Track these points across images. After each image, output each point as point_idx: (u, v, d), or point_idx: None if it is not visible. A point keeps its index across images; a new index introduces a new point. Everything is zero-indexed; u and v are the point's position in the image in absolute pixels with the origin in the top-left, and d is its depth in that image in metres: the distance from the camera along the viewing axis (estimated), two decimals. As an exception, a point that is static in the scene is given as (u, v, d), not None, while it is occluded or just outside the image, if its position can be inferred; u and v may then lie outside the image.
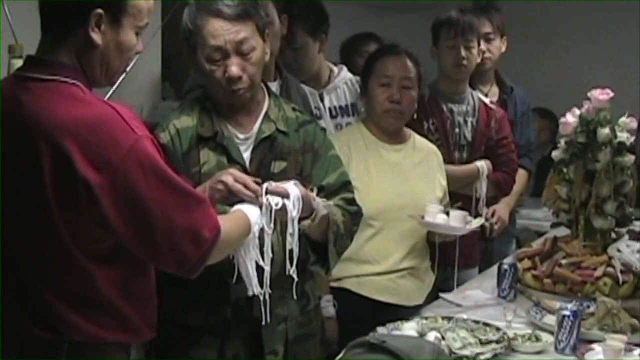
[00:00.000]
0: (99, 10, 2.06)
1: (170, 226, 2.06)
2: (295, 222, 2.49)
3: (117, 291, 2.12)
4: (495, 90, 4.58)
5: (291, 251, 2.52)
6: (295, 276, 2.55)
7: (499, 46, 4.52)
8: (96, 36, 2.08)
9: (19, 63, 2.72)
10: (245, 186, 2.44)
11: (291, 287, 2.60)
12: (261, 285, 2.47)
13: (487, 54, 4.43)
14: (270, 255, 2.47)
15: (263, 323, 2.58)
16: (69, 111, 2.01)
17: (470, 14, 4.08)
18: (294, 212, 2.47)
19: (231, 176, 2.46)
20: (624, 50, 6.80)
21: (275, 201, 2.44)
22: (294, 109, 2.87)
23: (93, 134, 1.98)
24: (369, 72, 3.51)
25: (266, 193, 2.45)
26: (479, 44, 4.08)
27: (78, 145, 1.97)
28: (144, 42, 2.24)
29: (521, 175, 4.50)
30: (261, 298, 2.49)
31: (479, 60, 4.11)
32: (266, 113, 2.76)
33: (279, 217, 2.46)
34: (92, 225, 2.02)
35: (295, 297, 2.65)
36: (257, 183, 2.47)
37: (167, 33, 4.68)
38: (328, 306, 3.28)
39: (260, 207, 2.43)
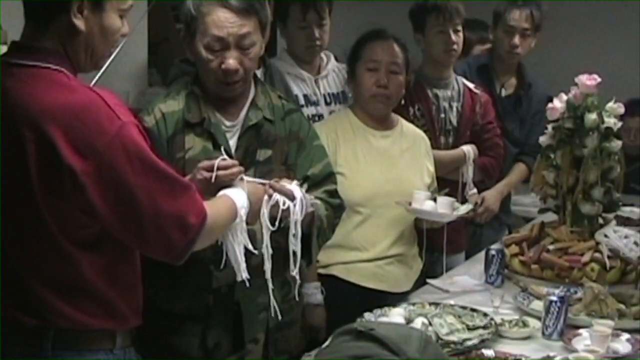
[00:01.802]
0: None
1: (156, 213, 2.05)
2: (299, 225, 2.51)
3: (102, 278, 2.11)
4: (512, 82, 4.59)
5: (294, 253, 2.54)
6: (298, 278, 2.58)
7: (530, 43, 4.51)
8: (79, 22, 2.07)
9: (3, 49, 2.70)
10: (219, 168, 2.42)
11: (278, 266, 2.60)
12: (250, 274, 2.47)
13: (518, 49, 4.44)
14: (271, 251, 2.49)
15: (272, 315, 2.61)
16: (54, 97, 2.00)
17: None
18: (298, 214, 2.50)
19: (202, 170, 2.45)
20: (614, 36, 6.79)
21: (282, 200, 2.46)
22: (280, 96, 2.87)
23: (78, 120, 1.98)
24: (356, 57, 3.49)
25: (274, 190, 2.48)
26: (463, 28, 4.07)
27: (63, 132, 1.97)
28: (131, 26, 2.23)
29: (521, 170, 4.51)
30: (247, 284, 2.48)
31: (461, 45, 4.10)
32: (253, 101, 2.75)
33: (283, 217, 2.48)
34: (78, 211, 2.02)
35: (297, 298, 2.71)
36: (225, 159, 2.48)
37: (154, 19, 4.66)
38: (316, 293, 3.27)
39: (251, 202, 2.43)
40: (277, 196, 2.46)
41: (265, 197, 2.47)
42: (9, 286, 2.09)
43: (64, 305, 2.08)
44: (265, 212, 2.45)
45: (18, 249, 2.08)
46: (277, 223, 2.47)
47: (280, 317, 2.62)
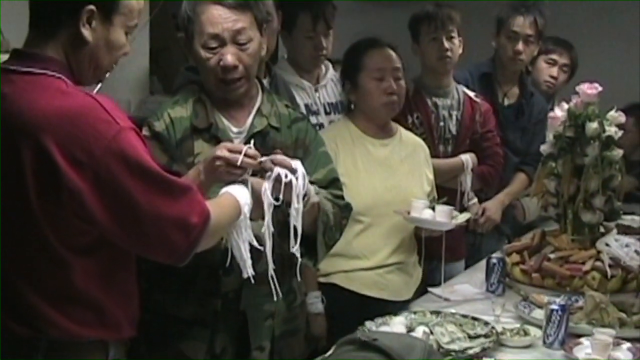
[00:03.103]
0: (91, 7, 2.06)
1: (156, 216, 2.05)
2: (301, 198, 2.48)
3: (97, 284, 2.10)
4: (515, 92, 4.59)
5: (295, 228, 2.50)
6: (298, 255, 2.53)
7: (533, 50, 4.53)
8: (87, 32, 2.07)
9: (4, 58, 2.70)
10: (245, 155, 2.41)
11: (284, 274, 2.60)
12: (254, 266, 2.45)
13: (522, 56, 4.45)
14: (272, 229, 2.45)
15: (275, 299, 2.56)
16: (50, 103, 2.00)
17: (447, 7, 4.08)
18: (300, 188, 2.47)
19: (225, 149, 2.44)
20: (618, 46, 6.80)
21: (284, 173, 2.43)
22: (286, 105, 2.88)
23: (74, 126, 1.97)
24: (358, 67, 3.49)
25: (274, 164, 2.44)
26: (459, 35, 4.08)
27: (59, 138, 1.96)
28: (132, 44, 2.23)
29: (522, 180, 4.53)
30: (252, 281, 2.46)
31: (460, 50, 4.10)
32: (259, 108, 2.76)
33: (285, 194, 2.44)
34: (75, 218, 2.01)
35: (298, 277, 2.64)
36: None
37: (155, 27, 4.67)
38: (316, 302, 3.27)
39: (253, 180, 2.42)
40: (278, 169, 2.43)
41: (268, 173, 2.44)
42: (1, 294, 2.07)
43: (57, 314, 2.07)
44: (267, 187, 2.42)
45: (12, 256, 2.07)
46: (281, 196, 2.42)
47: (253, 280, 2.52)
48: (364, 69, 3.47)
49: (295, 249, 2.52)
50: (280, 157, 2.48)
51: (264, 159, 2.46)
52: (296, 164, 2.49)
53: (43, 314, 2.06)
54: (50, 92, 2.03)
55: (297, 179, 2.46)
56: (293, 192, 2.46)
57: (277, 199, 2.43)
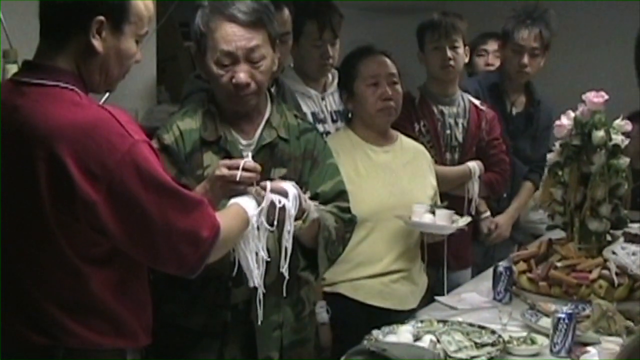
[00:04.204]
0: (101, 17, 2.06)
1: (168, 229, 2.06)
2: (292, 220, 2.49)
3: (113, 294, 2.12)
4: (522, 100, 4.59)
5: (286, 249, 2.51)
6: (286, 274, 2.53)
7: (540, 62, 4.50)
8: (97, 43, 2.08)
9: (13, 68, 2.71)
10: (243, 169, 2.42)
11: (283, 287, 2.58)
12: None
13: (527, 69, 4.42)
14: (267, 255, 2.46)
15: (259, 322, 2.57)
16: (65, 115, 2.01)
17: (452, 16, 4.09)
18: (292, 210, 2.48)
19: (224, 167, 2.45)
20: (620, 52, 6.77)
21: (277, 199, 2.44)
22: (296, 116, 2.88)
23: (89, 138, 1.98)
24: (353, 75, 3.50)
25: (265, 190, 2.45)
26: (464, 44, 4.09)
27: (73, 150, 1.97)
28: (142, 51, 2.24)
29: (529, 189, 4.54)
30: (259, 292, 2.48)
31: (466, 59, 4.12)
32: (268, 120, 2.76)
33: (280, 216, 2.45)
34: (89, 229, 2.02)
35: (285, 294, 2.62)
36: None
37: (162, 36, 4.68)
38: (322, 312, 3.26)
39: (259, 203, 2.43)
40: (271, 196, 2.44)
41: (262, 203, 2.45)
42: (19, 303, 2.09)
43: (74, 323, 2.08)
44: (262, 217, 2.43)
45: (28, 266, 2.08)
46: (275, 222, 2.44)
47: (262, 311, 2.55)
48: (359, 77, 3.48)
49: (285, 268, 2.53)
50: (273, 184, 2.48)
51: (255, 188, 2.46)
52: (288, 187, 2.50)
53: (60, 323, 2.07)
54: (64, 104, 2.03)
55: (289, 201, 2.48)
56: (286, 215, 2.48)
57: (271, 224, 2.45)
